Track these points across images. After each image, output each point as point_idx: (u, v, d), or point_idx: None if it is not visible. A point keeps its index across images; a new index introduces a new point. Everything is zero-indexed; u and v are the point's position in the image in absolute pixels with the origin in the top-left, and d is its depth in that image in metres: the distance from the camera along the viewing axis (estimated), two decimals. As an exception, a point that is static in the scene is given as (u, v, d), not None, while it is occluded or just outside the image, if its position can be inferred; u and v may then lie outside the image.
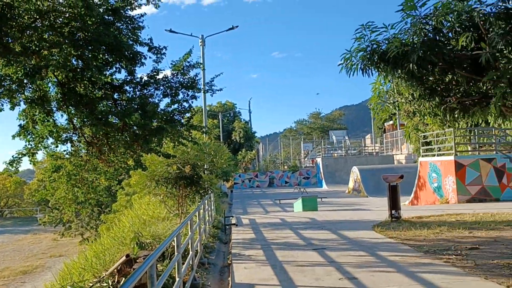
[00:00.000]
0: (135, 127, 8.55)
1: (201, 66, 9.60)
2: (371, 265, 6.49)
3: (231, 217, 13.91)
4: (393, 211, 10.99)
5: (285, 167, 46.17)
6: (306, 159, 48.02)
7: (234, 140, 50.02)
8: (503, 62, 7.91)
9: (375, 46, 7.85)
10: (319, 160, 36.51)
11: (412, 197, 17.92)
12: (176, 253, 5.23)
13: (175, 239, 5.25)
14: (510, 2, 7.47)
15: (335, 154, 39.63)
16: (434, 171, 16.55)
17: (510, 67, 7.21)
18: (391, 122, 39.91)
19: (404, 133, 27.96)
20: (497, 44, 7.07)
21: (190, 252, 6.50)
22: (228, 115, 52.46)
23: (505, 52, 7.92)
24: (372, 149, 41.59)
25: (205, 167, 13.48)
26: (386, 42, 7.80)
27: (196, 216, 8.21)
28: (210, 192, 12.96)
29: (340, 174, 34.44)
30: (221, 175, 19.58)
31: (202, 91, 10.11)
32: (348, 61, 8.20)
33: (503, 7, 7.53)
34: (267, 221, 12.78)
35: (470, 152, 17.56)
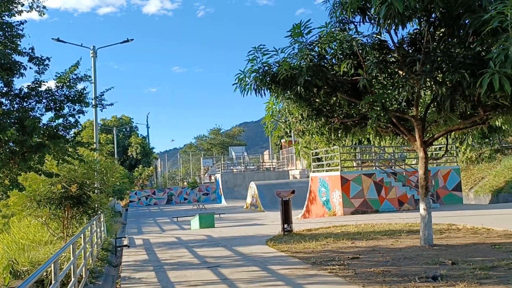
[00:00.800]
0: (11, 143, 7.75)
1: (91, 79, 9.09)
2: (262, 280, 6.66)
3: (123, 238, 13.24)
4: (285, 225, 11.44)
5: (185, 183, 45.54)
6: (206, 175, 47.94)
7: (131, 156, 48.05)
8: (378, 87, 8.84)
9: (266, 68, 8.24)
10: (218, 176, 36.70)
11: (304, 210, 18.88)
12: (53, 281, 4.81)
13: (52, 265, 4.82)
14: (383, 35, 8.41)
15: (235, 170, 40.22)
16: (323, 186, 17.68)
17: (382, 92, 8.04)
18: (287, 139, 41.92)
19: (299, 148, 29.61)
20: (372, 71, 7.87)
21: (72, 279, 6.02)
22: (124, 129, 50.33)
23: (379, 78, 8.88)
24: (270, 165, 43.08)
25: (96, 185, 12.70)
26: (277, 65, 8.24)
27: (81, 238, 7.66)
28: (100, 212, 12.22)
29: (239, 189, 34.99)
30: (114, 193, 18.59)
31: (92, 105, 9.54)
32: (242, 81, 8.48)
33: (377, 38, 8.45)
34: (162, 240, 12.41)
35: (355, 168, 19.14)
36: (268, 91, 8.55)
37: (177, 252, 9.96)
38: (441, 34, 7.80)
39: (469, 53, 6.66)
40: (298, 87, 7.86)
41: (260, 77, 8.19)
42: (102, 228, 12.59)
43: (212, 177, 43.64)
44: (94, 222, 10.24)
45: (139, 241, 12.60)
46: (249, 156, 52.64)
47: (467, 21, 6.58)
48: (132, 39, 19.29)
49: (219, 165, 38.94)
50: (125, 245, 11.58)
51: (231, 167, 41.69)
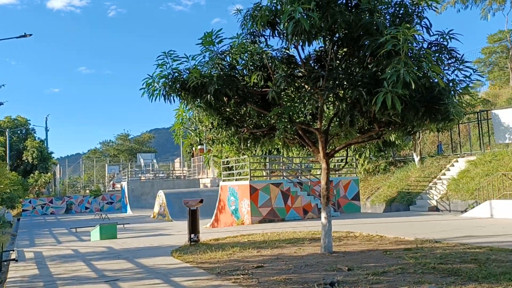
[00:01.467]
0: None
1: (-23, 74, 8.12)
2: (165, 293, 6.42)
3: (11, 251, 11.98)
4: (192, 235, 11.25)
5: (87, 191, 42.81)
6: (111, 182, 45.60)
7: (26, 160, 43.98)
8: (286, 100, 9.14)
9: (176, 74, 8.08)
10: (124, 184, 35.11)
11: (213, 219, 18.80)
12: None
13: None
14: (291, 50, 8.74)
15: (143, 178, 38.84)
16: (233, 195, 17.78)
17: (289, 104, 8.32)
18: (199, 146, 41.57)
19: (213, 158, 29.58)
20: (281, 84, 8.11)
21: None
22: (19, 132, 45.98)
23: (288, 91, 9.19)
24: (180, 173, 42.33)
25: (-20, 193, 11.34)
26: (187, 72, 8.12)
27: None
28: (-16, 223, 10.92)
29: (146, 198, 33.83)
30: (2, 201, 16.77)
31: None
32: (150, 86, 8.21)
33: (286, 53, 8.75)
34: (57, 253, 11.45)
35: (264, 177, 19.55)
36: (178, 98, 8.38)
37: (73, 266, 9.24)
38: (343, 53, 8.32)
39: (366, 73, 7.17)
40: (208, 96, 7.82)
41: (170, 83, 8.00)
42: (-14, 241, 11.24)
43: (118, 185, 41.64)
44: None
45: (30, 254, 11.49)
46: (159, 163, 51.24)
47: (366, 42, 7.08)
48: (30, 34, 17.73)
49: (126, 172, 37.31)
50: (13, 259, 10.47)
51: (139, 175, 40.21)
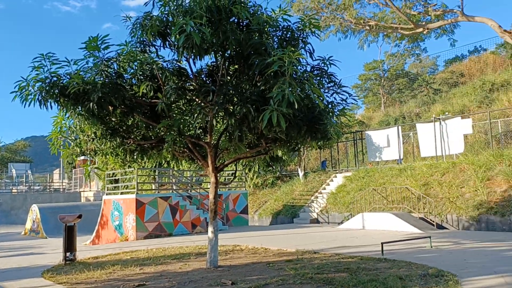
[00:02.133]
0: None
1: None
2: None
3: None
4: (68, 253, 10.35)
5: None
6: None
7: None
8: (176, 112, 9.00)
9: (55, 79, 7.44)
10: (-9, 197, 31.09)
11: (94, 236, 17.57)
12: None
13: None
14: (183, 63, 8.67)
15: (14, 190, 34.86)
16: (117, 209, 16.85)
17: (179, 117, 8.21)
18: (81, 157, 38.71)
19: (94, 170, 27.67)
20: (171, 96, 7.96)
21: None
22: None
23: (178, 103, 9.06)
24: (59, 185, 38.92)
25: None
26: (68, 77, 7.54)
27: None
28: None
29: (17, 213, 30.40)
30: None
31: None
32: (24, 89, 7.44)
33: (177, 65, 8.64)
34: None
35: (152, 191, 18.90)
36: (56, 104, 7.72)
37: None
38: (234, 70, 8.51)
39: (255, 90, 7.42)
40: (91, 104, 7.35)
41: (47, 88, 7.33)
42: None
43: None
44: None
45: None
46: (36, 174, 46.53)
47: (255, 61, 7.34)
48: None
49: (-6, 184, 33.12)
50: None
51: (11, 187, 36.03)
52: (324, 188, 21.21)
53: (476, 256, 8.94)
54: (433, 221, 14.84)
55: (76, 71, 7.43)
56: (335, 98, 7.91)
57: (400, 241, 10.87)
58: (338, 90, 7.91)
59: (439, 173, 16.37)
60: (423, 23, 20.99)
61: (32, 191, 34.84)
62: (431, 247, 10.31)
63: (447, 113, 23.12)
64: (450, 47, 34.72)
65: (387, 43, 36.92)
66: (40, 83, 7.31)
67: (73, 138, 9.74)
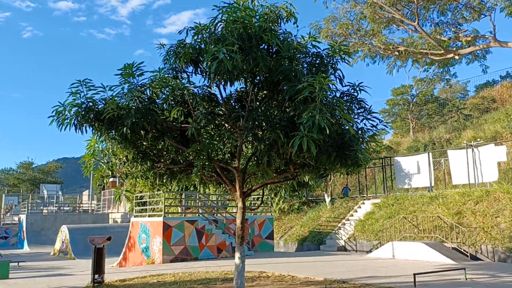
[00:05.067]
0: None
1: None
2: None
3: None
4: (96, 276, 10.43)
5: (-22, 224, 38.18)
6: (8, 214, 41.25)
7: None
8: (205, 137, 9.11)
9: (91, 104, 7.70)
10: (23, 216, 31.94)
11: (121, 258, 17.70)
12: None
13: None
14: (213, 88, 8.83)
15: (45, 211, 35.71)
16: (144, 232, 16.98)
17: (208, 142, 8.30)
18: (110, 179, 39.47)
19: (124, 193, 28.13)
20: (201, 121, 8.08)
21: None
22: None
23: (207, 128, 9.18)
24: (88, 207, 39.67)
25: None
26: (103, 102, 7.79)
27: None
28: None
29: (47, 233, 31.03)
30: None
31: None
32: (61, 114, 7.71)
33: (207, 91, 8.81)
34: None
35: (179, 214, 18.99)
36: (91, 128, 7.96)
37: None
38: (263, 96, 8.58)
39: (284, 116, 7.45)
40: (125, 128, 7.53)
41: (83, 113, 7.58)
42: None
43: (16, 218, 37.79)
44: None
45: None
46: (66, 195, 47.68)
47: (284, 87, 7.39)
48: None
49: (26, 204, 34.05)
50: None
51: (41, 207, 36.95)
52: (352, 215, 20.80)
53: (516, 290, 8.50)
54: (467, 252, 14.26)
55: (111, 97, 7.67)
56: (365, 124, 7.84)
57: (433, 272, 10.46)
58: (368, 116, 7.84)
59: (472, 201, 15.82)
60: (454, 48, 20.76)
61: (62, 212, 35.61)
62: (466, 279, 9.88)
63: (479, 139, 22.50)
64: (481, 73, 34.11)
65: (415, 68, 36.58)
66: (76, 108, 7.57)
67: (105, 161, 9.97)
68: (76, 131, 7.66)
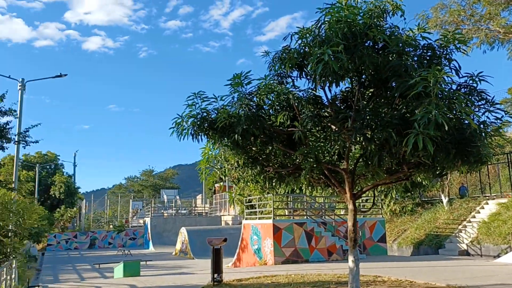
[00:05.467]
0: None
1: (16, 113, 8.49)
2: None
3: (36, 287, 12.04)
4: (215, 275, 11.08)
5: (111, 226, 43.07)
6: (134, 218, 45.84)
7: (53, 195, 44.82)
8: (312, 140, 9.14)
9: (205, 114, 8.23)
10: (147, 219, 35.24)
11: (235, 258, 18.51)
12: None
13: None
14: (318, 91, 8.83)
15: (165, 214, 38.91)
16: (255, 234, 17.55)
17: (315, 144, 8.32)
18: (221, 183, 41.60)
19: (234, 196, 29.52)
20: (307, 124, 8.14)
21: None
22: (48, 167, 47.20)
23: (313, 131, 9.20)
24: (202, 210, 42.25)
25: (10, 228, 11.55)
26: (216, 111, 8.27)
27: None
28: (12, 257, 11.05)
29: (168, 235, 33.75)
30: (30, 236, 17.01)
31: (14, 141, 8.85)
32: (179, 125, 8.37)
33: (312, 93, 8.83)
34: (80, 290, 11.43)
35: (287, 216, 19.28)
36: (206, 137, 8.50)
37: (96, 304, 9.18)
38: (370, 94, 8.34)
39: (395, 114, 7.14)
40: (236, 135, 7.90)
41: (198, 123, 8.14)
42: (13, 276, 11.35)
43: (141, 221, 41.80)
44: (4, 269, 9.22)
45: (54, 290, 11.51)
46: (182, 199, 51.39)
47: (394, 84, 7.10)
48: (65, 74, 18.52)
49: (149, 208, 37.52)
50: (38, 295, 10.51)
51: (162, 211, 40.34)
52: (474, 216, 19.05)
53: None
54: None
55: (222, 106, 8.12)
56: (487, 117, 7.16)
57: None
58: (491, 108, 7.14)
59: None
60: None
61: (180, 215, 38.44)
62: None
63: None
64: None
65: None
66: (193, 118, 8.15)
67: (218, 166, 10.56)
68: (193, 140, 8.25)
